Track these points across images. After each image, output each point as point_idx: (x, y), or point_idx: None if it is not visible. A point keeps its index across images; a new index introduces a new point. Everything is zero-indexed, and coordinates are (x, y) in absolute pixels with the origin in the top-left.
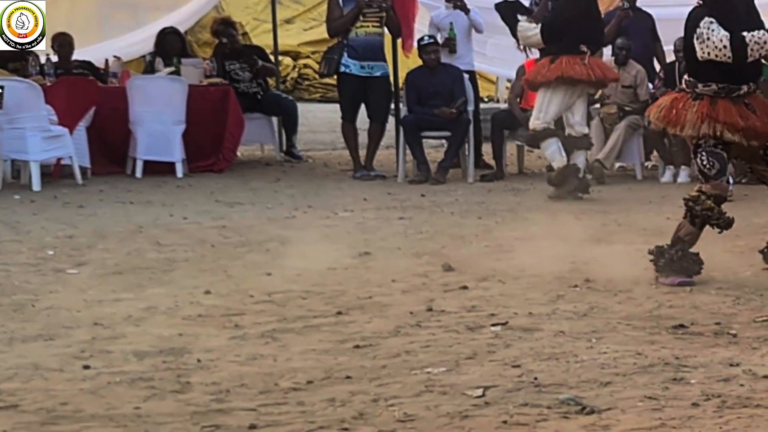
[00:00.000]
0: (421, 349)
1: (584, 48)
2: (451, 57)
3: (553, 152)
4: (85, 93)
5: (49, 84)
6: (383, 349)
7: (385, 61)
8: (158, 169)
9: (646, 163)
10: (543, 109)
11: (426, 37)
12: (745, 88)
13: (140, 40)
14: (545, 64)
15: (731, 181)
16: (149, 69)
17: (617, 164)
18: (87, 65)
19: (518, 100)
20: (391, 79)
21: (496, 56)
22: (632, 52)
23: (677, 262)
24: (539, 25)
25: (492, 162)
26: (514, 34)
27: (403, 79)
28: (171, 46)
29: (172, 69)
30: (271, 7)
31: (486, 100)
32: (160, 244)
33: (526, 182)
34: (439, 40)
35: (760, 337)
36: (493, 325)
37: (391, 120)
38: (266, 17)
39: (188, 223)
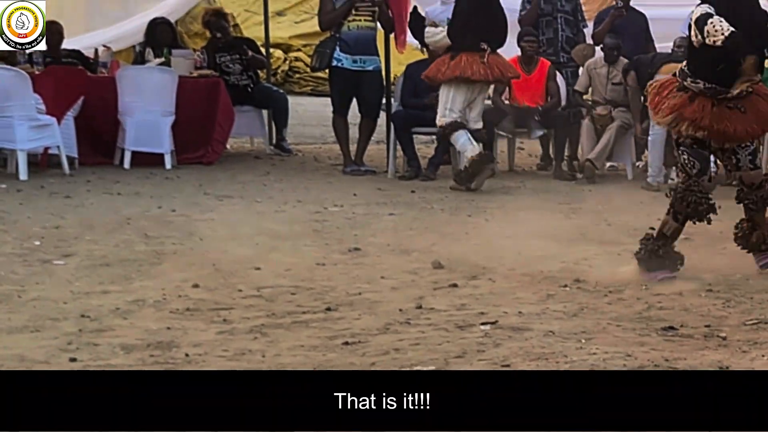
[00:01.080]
0: (410, 346)
1: (484, 46)
2: None
3: (464, 143)
4: (74, 82)
5: (37, 73)
6: (372, 346)
7: (377, 55)
8: (147, 161)
9: (637, 163)
10: (448, 106)
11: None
12: (734, 91)
13: (130, 30)
14: (446, 61)
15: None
16: (139, 59)
17: (608, 164)
18: (76, 54)
19: (502, 96)
20: (383, 74)
21: None
22: (626, 51)
23: (659, 256)
24: (444, 28)
25: None
26: (423, 42)
27: (400, 72)
28: (162, 36)
29: (162, 60)
30: None
31: None
32: (148, 237)
33: (516, 180)
34: None
35: (749, 340)
36: (483, 323)
37: (382, 115)
38: (258, 9)
39: (177, 216)
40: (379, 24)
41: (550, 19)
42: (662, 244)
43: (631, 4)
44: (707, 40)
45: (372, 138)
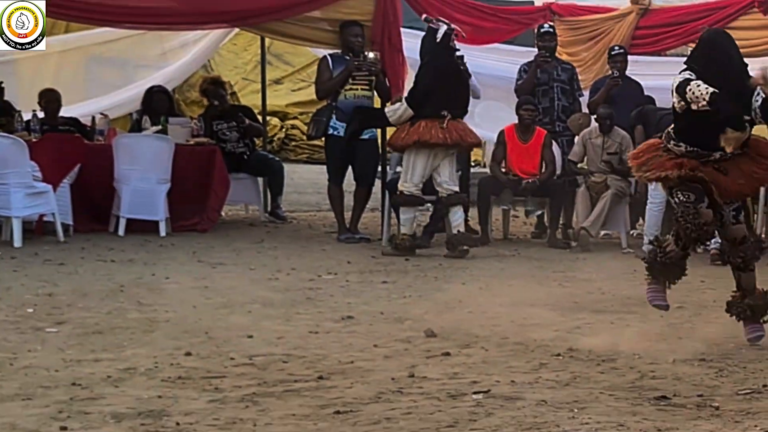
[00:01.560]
0: (402, 416)
1: (445, 113)
2: None
3: (406, 219)
4: (71, 150)
5: (34, 140)
6: (364, 415)
7: None
8: (141, 228)
9: (631, 231)
10: (410, 172)
11: None
12: (717, 155)
13: (127, 98)
14: (405, 128)
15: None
16: (136, 127)
17: (602, 232)
18: (73, 122)
19: (499, 165)
20: (379, 142)
21: (484, 121)
22: (621, 120)
23: (660, 265)
24: (402, 102)
25: (477, 227)
26: (383, 125)
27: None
28: (158, 104)
29: (159, 128)
30: (260, 67)
31: (473, 164)
32: (141, 304)
33: (510, 248)
34: None
35: (742, 410)
36: (475, 392)
37: (377, 183)
38: (255, 77)
39: (170, 283)
40: (375, 92)
41: (547, 88)
42: (656, 256)
43: (627, 73)
44: (693, 107)
45: (367, 206)
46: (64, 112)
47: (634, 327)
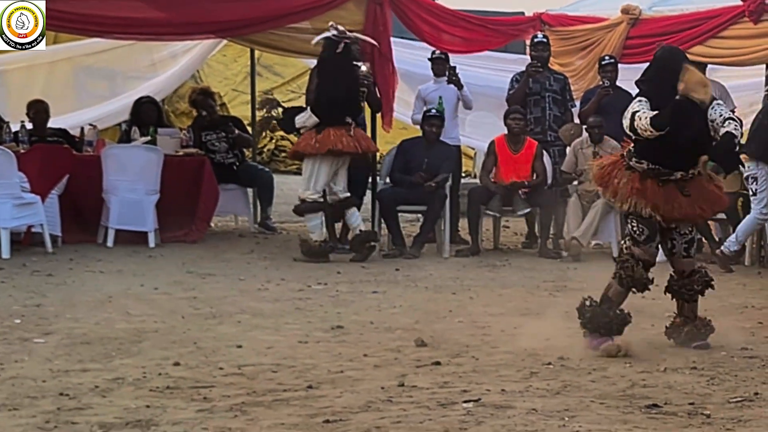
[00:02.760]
0: (392, 425)
1: (349, 120)
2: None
3: (314, 225)
4: (59, 161)
5: (22, 151)
6: (353, 424)
7: None
8: (130, 239)
9: (622, 241)
10: (313, 179)
11: (434, 110)
12: (678, 174)
13: (116, 109)
14: (312, 136)
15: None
16: (125, 138)
17: (593, 242)
18: (62, 133)
19: (489, 175)
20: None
21: (475, 132)
22: (612, 130)
23: (601, 319)
24: (307, 110)
25: (468, 237)
26: (295, 131)
27: (386, 151)
28: (147, 115)
29: (148, 138)
30: (250, 78)
31: (464, 175)
32: (129, 315)
33: (501, 258)
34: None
35: (734, 418)
36: (466, 401)
37: (368, 193)
38: (245, 88)
39: (159, 294)
40: (366, 103)
41: (538, 98)
42: (608, 308)
43: (618, 83)
44: (642, 136)
45: None
46: (52, 123)
47: (624, 336)
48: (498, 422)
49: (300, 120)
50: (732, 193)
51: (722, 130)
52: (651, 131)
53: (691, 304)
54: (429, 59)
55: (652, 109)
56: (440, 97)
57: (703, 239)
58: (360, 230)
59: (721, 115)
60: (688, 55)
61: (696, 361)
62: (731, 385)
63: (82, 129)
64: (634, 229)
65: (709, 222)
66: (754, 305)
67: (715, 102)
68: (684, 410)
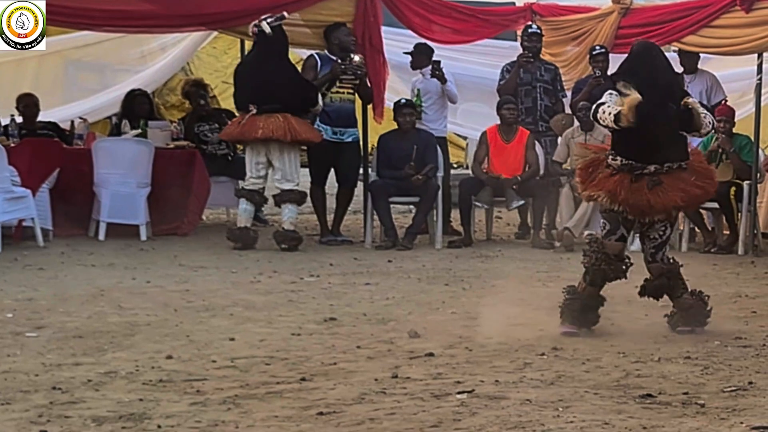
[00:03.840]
0: (385, 416)
1: (252, 108)
2: (418, 123)
3: (240, 211)
4: (50, 155)
5: (12, 145)
6: (347, 416)
7: (356, 126)
8: (122, 232)
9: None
10: (247, 169)
11: (403, 99)
12: (651, 168)
13: (106, 102)
14: (235, 122)
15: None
16: (115, 131)
17: (586, 232)
18: (52, 126)
19: (481, 165)
20: (361, 144)
21: (467, 122)
22: None
23: (573, 310)
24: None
25: (460, 228)
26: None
27: (374, 143)
28: (139, 108)
29: (139, 131)
30: None
31: (455, 166)
32: (122, 308)
33: (494, 249)
34: None
35: (728, 407)
36: (459, 392)
37: (360, 185)
38: None
39: (151, 287)
40: (357, 95)
41: (529, 88)
42: (573, 299)
43: (609, 73)
44: (602, 125)
45: (349, 208)
46: (42, 117)
47: (618, 326)
48: (492, 413)
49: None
50: (724, 182)
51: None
52: (612, 126)
53: (676, 301)
54: (405, 53)
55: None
56: (418, 90)
57: (696, 229)
58: (283, 228)
59: (705, 123)
60: (680, 45)
61: (690, 350)
62: (725, 374)
63: (73, 122)
64: (602, 224)
65: (702, 211)
66: (747, 294)
67: (689, 99)
68: (678, 400)
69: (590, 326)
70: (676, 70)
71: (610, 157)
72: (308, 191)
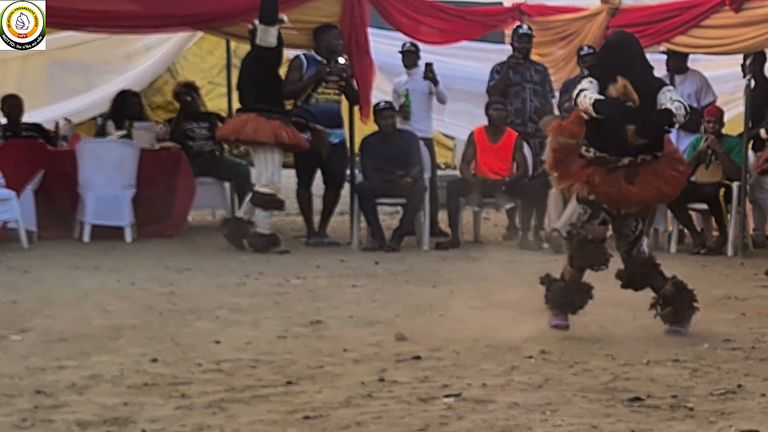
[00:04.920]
0: (372, 420)
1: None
2: (406, 123)
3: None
4: (34, 156)
5: None
6: (333, 420)
7: (342, 127)
8: (107, 234)
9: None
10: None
11: (382, 103)
12: (625, 161)
13: (91, 103)
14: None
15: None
16: (101, 132)
17: None
18: (36, 128)
19: (469, 166)
20: (347, 145)
21: (454, 122)
22: None
23: (559, 295)
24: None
25: (447, 230)
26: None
27: (359, 145)
28: (132, 108)
29: (124, 132)
30: (226, 70)
31: (443, 167)
32: (106, 311)
33: (481, 250)
34: (396, 107)
35: (717, 410)
36: (446, 396)
37: (346, 186)
38: (221, 81)
39: (136, 290)
40: (344, 95)
41: (519, 89)
42: (556, 284)
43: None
44: (584, 115)
45: (336, 210)
46: (27, 118)
47: (606, 328)
48: (479, 417)
49: None
50: (714, 183)
51: (665, 105)
52: (591, 112)
53: (658, 293)
54: (399, 52)
55: (601, 92)
56: (407, 90)
57: (685, 230)
58: (255, 232)
59: (670, 99)
60: (669, 45)
61: (678, 353)
62: (714, 377)
63: (57, 123)
64: (581, 212)
65: (691, 213)
66: (737, 296)
67: (665, 87)
68: (667, 403)
69: (576, 310)
70: (664, 70)
71: (584, 147)
72: (295, 192)
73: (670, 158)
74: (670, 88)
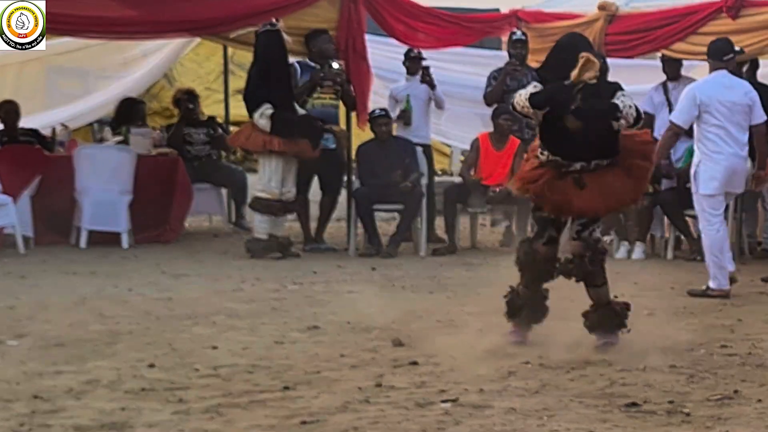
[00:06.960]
0: (369, 425)
1: None
2: (407, 129)
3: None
4: (31, 162)
5: None
6: (330, 425)
7: None
8: (104, 240)
9: (604, 238)
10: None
11: (377, 110)
12: (578, 165)
13: (88, 108)
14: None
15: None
16: (98, 138)
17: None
18: (33, 133)
19: (471, 171)
20: (345, 150)
21: (451, 129)
22: None
23: (516, 308)
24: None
25: (444, 236)
26: None
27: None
28: (137, 115)
29: (121, 138)
30: (223, 77)
31: (439, 173)
32: (103, 316)
33: (478, 256)
34: (396, 112)
35: (713, 416)
36: (443, 401)
37: (343, 192)
38: (218, 87)
39: (133, 295)
40: (341, 101)
41: None
42: (514, 297)
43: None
44: (522, 113)
45: (333, 215)
46: (24, 123)
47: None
48: (476, 422)
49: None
50: None
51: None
52: (528, 107)
53: (595, 290)
54: (405, 56)
55: None
56: (407, 96)
57: (682, 236)
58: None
59: (621, 102)
60: (667, 52)
61: (675, 359)
62: (711, 383)
63: (54, 129)
64: (532, 224)
65: (687, 219)
66: (732, 302)
67: (620, 92)
68: (663, 409)
69: (535, 323)
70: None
71: (539, 150)
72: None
73: (634, 150)
74: (626, 93)
